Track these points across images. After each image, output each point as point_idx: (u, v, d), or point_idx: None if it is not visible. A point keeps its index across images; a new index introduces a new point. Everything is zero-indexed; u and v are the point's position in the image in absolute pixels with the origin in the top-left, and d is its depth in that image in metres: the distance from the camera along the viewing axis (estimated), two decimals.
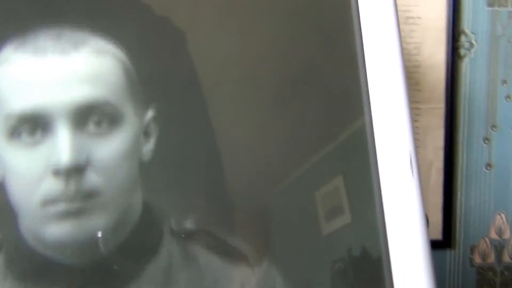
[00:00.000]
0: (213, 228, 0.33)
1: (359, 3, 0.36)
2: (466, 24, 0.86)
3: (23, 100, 0.31)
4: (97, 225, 0.31)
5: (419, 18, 0.83)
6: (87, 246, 0.31)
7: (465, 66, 0.85)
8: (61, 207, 0.31)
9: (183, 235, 0.32)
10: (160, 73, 0.33)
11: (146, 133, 0.33)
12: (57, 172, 0.31)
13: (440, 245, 0.84)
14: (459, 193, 0.85)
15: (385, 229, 0.34)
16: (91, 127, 0.31)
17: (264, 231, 0.35)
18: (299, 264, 0.34)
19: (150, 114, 0.33)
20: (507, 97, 0.87)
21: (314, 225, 0.35)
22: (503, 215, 0.89)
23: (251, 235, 0.34)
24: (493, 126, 0.87)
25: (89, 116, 0.31)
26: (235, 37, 0.36)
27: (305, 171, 0.35)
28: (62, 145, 0.30)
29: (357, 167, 0.36)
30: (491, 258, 0.89)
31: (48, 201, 0.31)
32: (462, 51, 0.86)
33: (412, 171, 0.34)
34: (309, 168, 0.35)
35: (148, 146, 0.33)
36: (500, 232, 0.89)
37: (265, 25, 0.37)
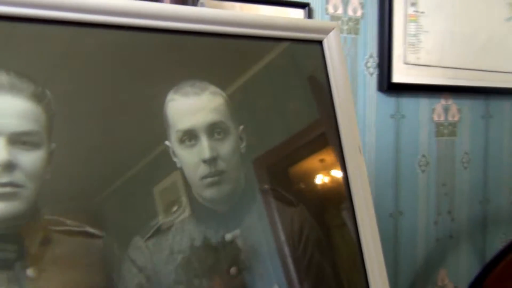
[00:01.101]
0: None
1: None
2: None
3: (184, 122, 0.55)
4: (227, 189, 0.56)
5: None
6: (223, 200, 0.56)
7: None
8: (209, 180, 0.55)
9: (265, 192, 0.60)
10: (243, 104, 0.61)
11: (241, 138, 0.60)
12: (204, 161, 0.55)
13: None
14: None
15: None
16: (215, 136, 0.57)
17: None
18: None
19: (241, 128, 0.60)
20: None
21: None
22: None
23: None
24: None
25: (214, 130, 0.57)
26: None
27: None
28: (204, 146, 0.55)
29: None
30: None
31: (202, 177, 0.55)
32: None
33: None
34: None
35: (243, 145, 0.60)
36: None
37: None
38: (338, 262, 0.64)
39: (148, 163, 0.50)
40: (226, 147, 0.57)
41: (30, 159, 0.44)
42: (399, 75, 1.69)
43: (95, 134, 0.48)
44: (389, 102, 1.65)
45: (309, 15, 1.55)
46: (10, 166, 0.43)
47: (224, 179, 0.56)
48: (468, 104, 1.86)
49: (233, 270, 0.52)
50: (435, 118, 1.79)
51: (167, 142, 0.54)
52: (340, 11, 1.62)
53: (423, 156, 1.76)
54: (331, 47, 0.65)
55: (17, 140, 0.44)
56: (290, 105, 0.63)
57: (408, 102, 1.72)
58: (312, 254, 0.59)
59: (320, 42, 0.66)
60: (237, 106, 0.59)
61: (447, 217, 1.82)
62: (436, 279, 1.78)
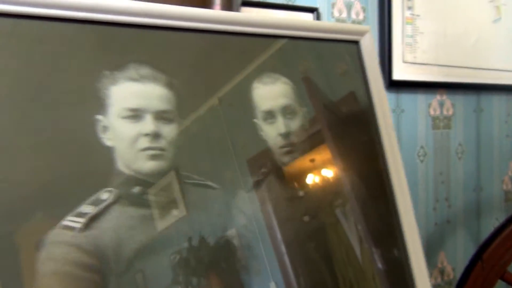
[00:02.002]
0: None
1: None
2: None
3: (266, 105, 0.72)
4: (297, 156, 0.74)
5: None
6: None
7: None
8: (285, 149, 0.73)
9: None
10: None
11: (304, 118, 0.78)
12: (281, 135, 0.73)
13: None
14: None
15: None
16: (287, 116, 0.74)
17: None
18: None
19: (304, 109, 0.78)
20: None
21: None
22: None
23: None
24: None
25: (286, 111, 0.74)
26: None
27: None
28: (281, 123, 0.73)
29: None
30: None
31: (280, 147, 0.73)
32: None
33: None
34: None
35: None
36: None
37: None
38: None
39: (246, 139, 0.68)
40: (295, 124, 0.74)
41: (168, 130, 0.61)
42: (399, 73, 1.87)
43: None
44: (390, 98, 1.83)
45: (318, 18, 1.73)
46: (156, 135, 0.60)
47: (296, 149, 0.74)
48: (461, 99, 2.05)
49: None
50: (431, 112, 1.98)
51: (255, 120, 0.72)
52: (344, 14, 1.81)
53: (421, 147, 1.95)
54: (367, 46, 0.83)
55: (159, 116, 0.61)
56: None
57: (407, 98, 1.90)
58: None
59: (357, 42, 0.85)
60: (301, 93, 0.76)
61: (444, 204, 2.00)
62: (436, 261, 1.97)
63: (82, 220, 0.53)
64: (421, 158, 1.95)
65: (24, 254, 0.48)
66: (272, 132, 0.71)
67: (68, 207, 0.51)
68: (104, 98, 0.57)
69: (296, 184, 0.71)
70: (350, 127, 0.81)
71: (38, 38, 0.54)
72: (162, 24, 0.63)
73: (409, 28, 1.92)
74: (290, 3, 1.69)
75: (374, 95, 0.80)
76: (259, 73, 0.71)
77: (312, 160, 0.74)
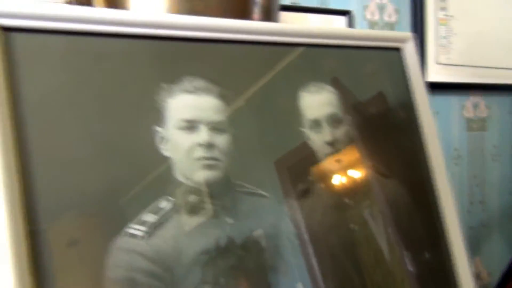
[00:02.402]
0: None
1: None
2: None
3: (312, 114, 0.74)
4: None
5: None
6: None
7: None
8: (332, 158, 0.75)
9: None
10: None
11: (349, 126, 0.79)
12: (327, 144, 0.74)
13: None
14: None
15: None
16: (333, 124, 0.76)
17: None
18: None
19: (349, 117, 0.79)
20: None
21: None
22: None
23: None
24: None
25: (332, 119, 0.76)
26: None
27: None
28: (327, 132, 0.74)
29: None
30: None
31: (327, 155, 0.74)
32: None
33: None
34: None
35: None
36: None
37: None
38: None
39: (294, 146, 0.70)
40: (341, 133, 0.76)
41: (222, 140, 0.63)
42: (432, 75, 1.87)
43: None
44: None
45: (350, 21, 1.74)
46: (211, 145, 0.62)
47: (341, 157, 0.76)
48: (496, 101, 2.03)
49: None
50: (466, 114, 1.96)
51: (302, 129, 0.74)
52: (376, 17, 1.81)
53: (455, 149, 1.93)
54: (410, 53, 0.84)
55: (213, 127, 0.63)
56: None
57: (440, 100, 1.89)
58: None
59: (398, 50, 0.86)
60: (346, 102, 0.78)
61: (479, 207, 1.98)
62: (471, 265, 1.95)
63: (144, 228, 0.55)
64: (455, 160, 1.94)
65: (90, 260, 0.51)
66: (319, 141, 0.72)
67: (130, 214, 0.54)
68: (162, 110, 0.60)
69: (339, 191, 0.72)
70: (389, 131, 0.82)
71: (98, 54, 0.57)
72: (210, 37, 0.65)
73: (442, 29, 1.91)
74: (324, 6, 1.70)
75: (418, 102, 0.81)
76: (304, 81, 0.73)
77: (349, 163, 0.75)
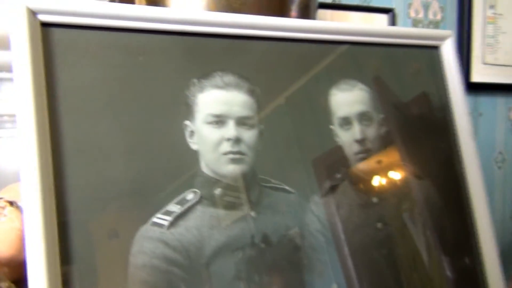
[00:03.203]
0: None
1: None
2: None
3: (342, 111, 0.75)
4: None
5: None
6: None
7: None
8: (360, 156, 0.75)
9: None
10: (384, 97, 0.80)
11: (381, 125, 0.79)
12: (356, 141, 0.75)
13: None
14: None
15: None
16: (364, 122, 0.76)
17: None
18: None
19: (382, 116, 0.79)
20: None
21: None
22: None
23: None
24: None
25: (362, 117, 0.76)
26: None
27: None
28: (357, 130, 0.75)
29: None
30: None
31: (355, 153, 0.75)
32: None
33: None
34: None
35: (383, 130, 0.79)
36: None
37: None
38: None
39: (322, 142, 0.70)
40: (372, 131, 0.76)
41: (249, 135, 0.65)
42: (478, 75, 1.82)
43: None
44: (468, 101, 1.78)
45: (393, 19, 1.71)
46: (238, 140, 0.64)
47: (371, 155, 0.76)
48: None
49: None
50: None
51: (331, 126, 0.74)
52: (421, 15, 1.78)
53: (500, 153, 1.88)
54: (448, 51, 0.83)
55: (241, 122, 0.65)
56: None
57: (485, 101, 1.84)
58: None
59: (437, 48, 0.85)
60: (383, 101, 0.78)
61: None
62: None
63: (169, 218, 0.58)
64: (499, 164, 1.89)
65: (117, 245, 0.54)
66: (348, 138, 0.73)
67: (157, 205, 0.56)
68: (192, 104, 0.62)
69: (368, 190, 0.72)
70: (424, 131, 0.81)
71: (132, 49, 0.59)
72: (243, 33, 0.67)
73: (490, 28, 1.86)
74: (365, 4, 1.68)
75: (454, 102, 0.80)
76: (336, 79, 0.73)
77: (380, 162, 0.75)
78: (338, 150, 0.72)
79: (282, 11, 0.87)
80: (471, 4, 1.83)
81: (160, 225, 0.57)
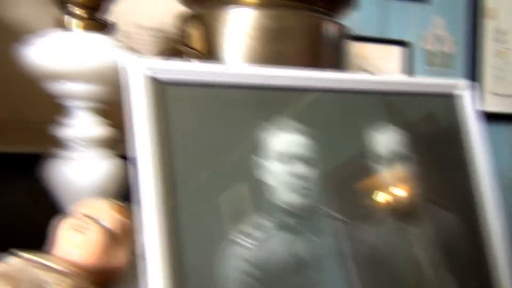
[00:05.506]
0: None
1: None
2: None
3: (380, 150, 0.91)
4: None
5: None
6: None
7: None
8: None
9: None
10: None
11: None
12: (388, 177, 0.92)
13: None
14: None
15: None
16: (395, 159, 0.93)
17: None
18: None
19: (414, 155, 0.96)
20: None
21: None
22: None
23: None
24: None
25: (395, 155, 0.93)
26: None
27: None
28: (387, 165, 0.92)
29: None
30: None
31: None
32: None
33: None
34: None
35: None
36: None
37: None
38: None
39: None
40: (399, 167, 0.93)
41: (313, 173, 0.80)
42: (489, 105, 1.99)
43: None
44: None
45: (410, 52, 1.89)
46: (304, 177, 0.80)
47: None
48: None
49: None
50: None
51: (369, 162, 0.91)
52: (436, 47, 1.95)
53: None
54: (466, 99, 1.01)
55: (305, 161, 0.79)
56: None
57: (496, 129, 2.00)
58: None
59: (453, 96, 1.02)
60: (408, 141, 0.95)
61: None
62: None
63: (251, 241, 0.75)
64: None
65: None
66: (380, 172, 0.89)
67: (234, 228, 0.73)
68: (264, 145, 0.79)
69: (394, 216, 0.88)
70: (446, 169, 0.98)
71: (221, 101, 0.77)
72: (300, 86, 0.85)
73: (501, 62, 2.04)
74: (382, 36, 1.86)
75: (472, 142, 0.97)
76: (375, 123, 0.91)
77: (396, 189, 0.91)
78: (374, 179, 0.88)
79: (317, 63, 1.05)
80: (483, 39, 2.02)
81: (243, 246, 0.74)
